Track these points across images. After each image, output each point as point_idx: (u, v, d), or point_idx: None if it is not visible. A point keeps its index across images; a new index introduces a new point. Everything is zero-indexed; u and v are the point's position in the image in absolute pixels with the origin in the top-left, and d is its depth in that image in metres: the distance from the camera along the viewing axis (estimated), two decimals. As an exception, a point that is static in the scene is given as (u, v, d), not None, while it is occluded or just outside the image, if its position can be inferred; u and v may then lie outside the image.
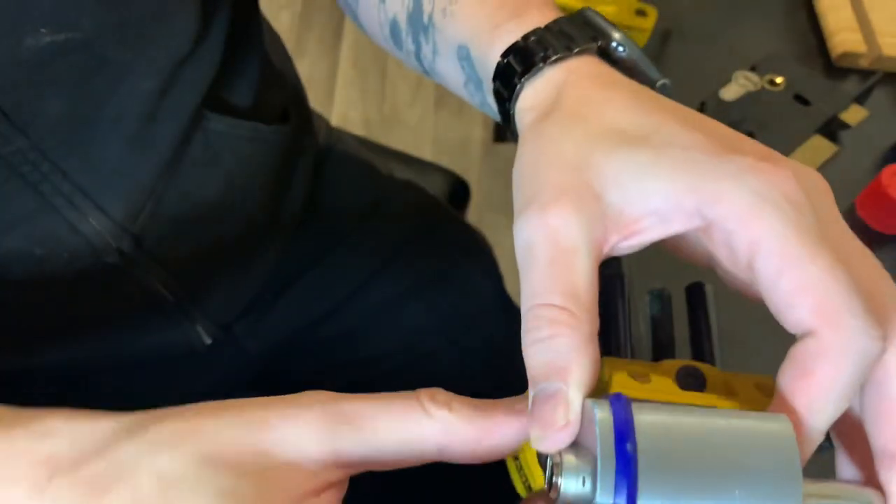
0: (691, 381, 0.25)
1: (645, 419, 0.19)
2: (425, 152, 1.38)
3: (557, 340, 0.21)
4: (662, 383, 0.24)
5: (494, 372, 0.56)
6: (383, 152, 0.78)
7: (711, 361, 0.28)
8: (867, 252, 0.23)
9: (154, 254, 0.44)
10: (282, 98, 0.52)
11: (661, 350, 0.28)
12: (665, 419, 0.19)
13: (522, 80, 0.27)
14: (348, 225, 0.57)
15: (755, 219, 0.20)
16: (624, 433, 0.19)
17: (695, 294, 0.30)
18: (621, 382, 0.24)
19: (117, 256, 0.42)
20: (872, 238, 0.49)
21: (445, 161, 0.96)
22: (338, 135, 0.62)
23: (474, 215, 1.05)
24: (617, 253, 0.23)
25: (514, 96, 0.28)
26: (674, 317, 0.29)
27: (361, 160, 0.61)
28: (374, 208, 0.58)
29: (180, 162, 0.42)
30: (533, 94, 0.27)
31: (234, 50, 0.44)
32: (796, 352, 0.21)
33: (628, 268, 0.31)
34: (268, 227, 0.52)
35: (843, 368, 0.20)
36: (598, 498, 0.19)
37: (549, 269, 0.22)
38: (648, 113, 0.24)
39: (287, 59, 0.57)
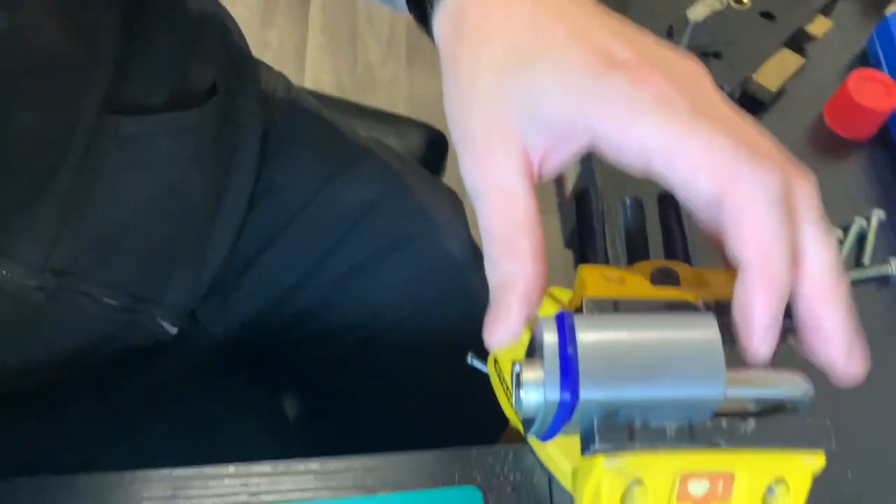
0: (665, 279, 0.26)
1: (586, 327, 0.22)
2: (401, 110, 1.37)
3: (503, 264, 0.25)
4: (636, 283, 0.25)
5: (466, 333, 0.54)
6: (356, 111, 0.77)
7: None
8: (748, 119, 0.25)
9: (87, 276, 0.42)
10: (207, 72, 0.48)
11: (636, 259, 0.29)
12: (604, 325, 0.22)
13: (434, 7, 0.28)
14: (307, 195, 0.55)
15: (634, 125, 0.23)
16: (566, 340, 0.22)
17: (667, 202, 0.30)
18: (595, 285, 0.24)
19: (42, 294, 0.40)
20: (841, 146, 0.50)
21: (423, 117, 0.95)
22: (297, 94, 0.59)
23: (452, 167, 1.05)
24: (546, 175, 0.26)
25: (428, 20, 0.29)
26: (647, 225, 0.30)
27: (321, 122, 0.58)
28: (334, 174, 0.56)
29: (95, 177, 0.40)
30: (444, 16, 0.28)
31: (130, 46, 0.41)
32: (722, 222, 0.23)
33: (602, 179, 0.31)
34: (216, 209, 0.50)
35: (762, 208, 0.22)
36: (548, 395, 0.22)
37: (494, 210, 0.25)
38: (542, 26, 0.26)
39: (215, 20, 0.52)
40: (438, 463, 0.36)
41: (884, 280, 0.47)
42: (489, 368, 0.35)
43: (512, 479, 0.36)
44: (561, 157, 0.26)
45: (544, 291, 0.25)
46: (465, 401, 0.47)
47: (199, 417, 0.51)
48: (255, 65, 0.55)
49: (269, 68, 0.58)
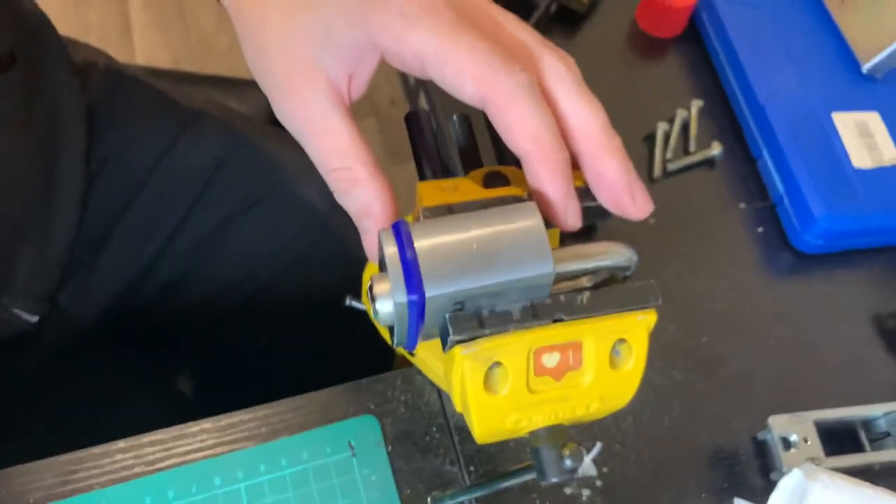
0: (496, 181, 0.28)
1: (421, 231, 0.24)
2: (245, 75, 1.33)
3: (353, 193, 0.27)
4: (468, 188, 0.27)
5: (344, 273, 0.54)
6: (191, 79, 0.75)
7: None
8: (509, 17, 0.28)
9: None
10: (3, 41, 0.46)
11: (471, 169, 0.31)
12: (437, 227, 0.24)
13: None
14: (148, 163, 0.54)
15: (407, 36, 0.26)
16: (403, 246, 0.23)
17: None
18: (430, 196, 0.26)
19: None
20: (656, 46, 0.54)
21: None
22: (120, 66, 0.57)
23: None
24: (356, 96, 0.28)
25: None
26: (479, 139, 0.32)
27: (150, 91, 0.57)
28: (173, 140, 0.55)
29: None
30: None
31: None
32: (494, 122, 0.26)
33: (434, 97, 0.33)
34: (52, 184, 0.48)
35: (520, 102, 0.25)
36: (396, 299, 0.23)
37: (320, 145, 0.27)
38: None
39: None
40: (331, 399, 0.38)
41: (710, 162, 0.52)
42: (365, 303, 0.36)
43: (404, 400, 0.38)
44: (365, 75, 0.28)
45: (394, 197, 0.27)
46: (351, 341, 0.48)
47: (87, 402, 0.50)
48: (57, 34, 0.52)
49: (87, 45, 0.56)
